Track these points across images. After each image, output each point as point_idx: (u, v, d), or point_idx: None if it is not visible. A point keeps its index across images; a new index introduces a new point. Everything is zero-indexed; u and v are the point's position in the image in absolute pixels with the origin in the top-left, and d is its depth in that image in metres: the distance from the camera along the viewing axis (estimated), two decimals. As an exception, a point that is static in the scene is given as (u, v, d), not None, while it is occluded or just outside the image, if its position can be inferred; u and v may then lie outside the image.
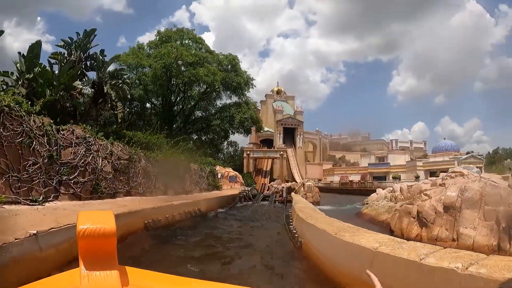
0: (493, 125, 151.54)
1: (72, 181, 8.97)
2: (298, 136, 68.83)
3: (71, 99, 14.58)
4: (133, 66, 29.47)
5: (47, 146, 8.22)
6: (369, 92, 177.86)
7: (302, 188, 22.42)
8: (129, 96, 19.42)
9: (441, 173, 14.35)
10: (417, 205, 8.09)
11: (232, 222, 12.49)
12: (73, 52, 15.82)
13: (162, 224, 9.65)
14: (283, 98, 76.63)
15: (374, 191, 18.83)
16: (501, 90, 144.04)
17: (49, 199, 7.99)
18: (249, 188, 27.36)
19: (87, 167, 9.63)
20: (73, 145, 9.32)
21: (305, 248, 6.48)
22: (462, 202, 7.21)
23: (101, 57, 15.25)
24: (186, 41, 32.86)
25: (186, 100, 34.12)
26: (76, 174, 9.11)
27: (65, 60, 14.76)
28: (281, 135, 67.69)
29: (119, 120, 19.01)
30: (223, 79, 30.85)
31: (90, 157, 9.82)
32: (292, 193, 20.85)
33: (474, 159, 44.19)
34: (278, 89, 78.65)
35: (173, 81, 31.25)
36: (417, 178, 42.84)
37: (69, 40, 16.04)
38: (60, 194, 8.58)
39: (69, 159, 9.04)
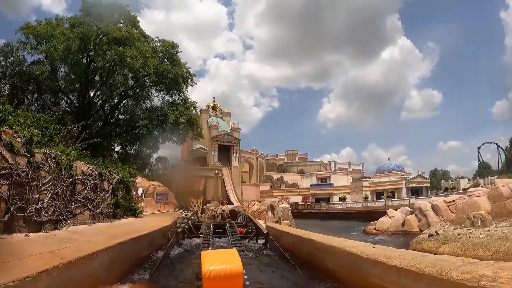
0: (416, 151, 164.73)
1: None
2: (234, 154, 63.99)
3: None
4: (43, 37, 21.59)
5: None
6: (301, 118, 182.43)
7: (269, 213, 16.72)
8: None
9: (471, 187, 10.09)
10: None
11: None
12: None
13: None
14: (219, 114, 71.61)
15: (325, 213, 14.37)
16: (424, 119, 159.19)
17: None
18: (189, 214, 17.13)
19: None
20: None
21: None
22: None
23: None
24: (117, 18, 25.86)
25: (107, 94, 26.49)
26: None
27: None
28: (216, 153, 62.23)
29: None
30: (156, 68, 24.35)
31: None
32: (260, 221, 14.98)
33: (421, 178, 43.83)
34: (214, 104, 73.44)
35: (92, 65, 23.85)
36: (365, 198, 40.60)
37: None
38: None
39: None
